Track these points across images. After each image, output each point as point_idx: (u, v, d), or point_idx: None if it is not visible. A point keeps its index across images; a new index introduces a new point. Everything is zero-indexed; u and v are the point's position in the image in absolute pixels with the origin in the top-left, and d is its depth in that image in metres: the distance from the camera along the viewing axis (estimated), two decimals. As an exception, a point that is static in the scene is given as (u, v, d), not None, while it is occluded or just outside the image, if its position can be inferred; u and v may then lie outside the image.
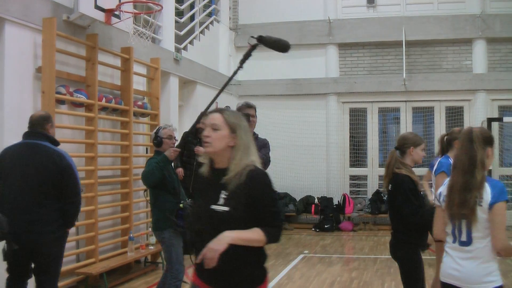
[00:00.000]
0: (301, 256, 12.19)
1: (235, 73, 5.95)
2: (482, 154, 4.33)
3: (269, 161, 6.90)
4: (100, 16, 9.21)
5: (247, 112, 6.77)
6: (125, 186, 10.39)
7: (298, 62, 17.20)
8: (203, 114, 6.94)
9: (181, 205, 6.94)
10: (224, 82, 6.16)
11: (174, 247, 7.24)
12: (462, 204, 4.29)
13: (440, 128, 16.44)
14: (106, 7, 9.25)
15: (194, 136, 10.33)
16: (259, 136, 7.16)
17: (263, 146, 6.85)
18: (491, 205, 4.20)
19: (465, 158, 4.36)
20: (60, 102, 8.82)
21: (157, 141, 7.44)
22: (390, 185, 5.91)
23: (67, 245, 8.97)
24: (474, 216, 4.24)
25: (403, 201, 5.68)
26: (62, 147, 8.37)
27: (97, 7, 9.09)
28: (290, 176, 16.98)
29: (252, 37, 6.12)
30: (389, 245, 6.18)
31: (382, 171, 16.49)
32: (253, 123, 6.87)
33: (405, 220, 5.77)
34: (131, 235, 10.07)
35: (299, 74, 17.21)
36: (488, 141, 4.42)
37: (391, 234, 6.13)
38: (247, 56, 5.83)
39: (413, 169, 5.95)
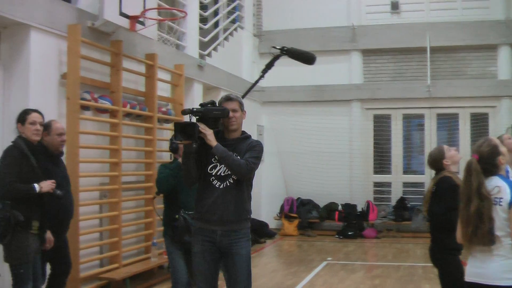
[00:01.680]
0: (324, 263, 12.14)
1: (256, 81, 5.90)
2: (479, 183, 4.53)
3: (251, 168, 5.61)
4: (124, 22, 9.26)
5: (226, 105, 5.72)
6: (149, 191, 10.40)
7: (321, 69, 17.07)
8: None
9: (176, 216, 7.02)
10: (247, 88, 6.12)
11: (171, 256, 7.28)
12: (475, 234, 4.53)
13: (464, 135, 16.34)
14: (130, 14, 9.30)
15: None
16: (252, 138, 5.93)
17: (249, 149, 5.71)
18: (510, 204, 4.43)
19: (465, 191, 4.62)
20: (85, 108, 8.89)
21: (173, 147, 7.44)
22: (435, 187, 6.02)
23: (91, 250, 9.08)
24: (488, 241, 4.49)
25: (437, 200, 5.84)
26: (86, 153, 8.48)
27: (122, 14, 9.14)
28: (313, 182, 16.92)
29: (274, 47, 6.02)
30: (429, 250, 6.31)
31: (406, 178, 16.65)
32: (234, 120, 5.70)
33: (433, 218, 5.93)
34: (155, 240, 10.10)
35: (322, 80, 17.16)
36: (494, 154, 4.66)
37: (431, 240, 6.21)
38: (269, 66, 5.78)
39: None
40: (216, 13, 15.05)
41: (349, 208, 16.45)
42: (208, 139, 5.49)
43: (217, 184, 5.64)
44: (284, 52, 5.89)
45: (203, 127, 5.48)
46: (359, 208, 16.55)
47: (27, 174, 6.29)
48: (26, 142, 6.36)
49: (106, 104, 9.21)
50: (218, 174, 5.65)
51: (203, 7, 14.14)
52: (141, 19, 9.58)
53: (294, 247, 14.51)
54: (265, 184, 17.47)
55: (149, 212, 10.43)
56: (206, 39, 13.97)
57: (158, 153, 10.71)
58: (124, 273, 9.15)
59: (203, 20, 14.20)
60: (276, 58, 5.85)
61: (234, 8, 16.14)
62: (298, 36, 17.07)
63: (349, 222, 16.17)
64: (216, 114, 5.61)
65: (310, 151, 16.84)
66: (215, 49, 14.53)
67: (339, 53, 17.32)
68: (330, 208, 16.70)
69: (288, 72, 16.95)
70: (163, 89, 11.45)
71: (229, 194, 5.62)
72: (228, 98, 5.79)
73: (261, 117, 17.52)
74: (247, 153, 5.66)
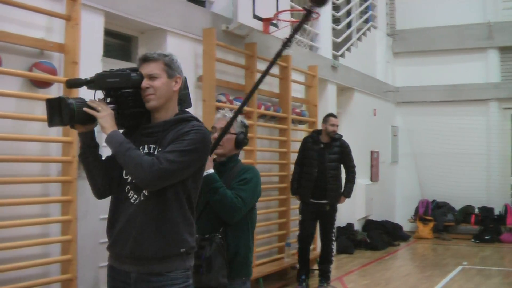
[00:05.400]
0: (460, 267, 11.84)
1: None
2: None
3: (163, 171, 3.36)
4: (258, 25, 9.36)
5: (141, 70, 3.58)
6: (283, 192, 10.49)
7: (456, 67, 16.81)
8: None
9: None
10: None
11: None
12: None
13: None
14: (264, 16, 9.39)
15: (314, 140, 10.09)
16: (195, 121, 3.64)
17: (174, 139, 3.53)
18: None
19: None
20: (220, 110, 9.05)
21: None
22: None
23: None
24: None
25: None
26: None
27: (255, 17, 9.24)
28: (449, 184, 16.58)
29: None
30: None
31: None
32: (152, 91, 3.53)
33: None
34: (289, 241, 10.17)
35: (457, 79, 16.77)
36: None
37: None
38: None
39: None
40: (348, 13, 14.98)
41: (486, 211, 16.00)
42: (100, 124, 3.43)
43: (133, 197, 3.54)
44: None
45: (96, 105, 3.42)
46: (496, 212, 16.05)
47: None
48: None
49: (240, 105, 9.35)
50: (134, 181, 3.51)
51: (336, 7, 14.13)
52: (274, 21, 9.65)
53: (429, 251, 14.25)
54: (400, 185, 17.32)
55: (282, 213, 10.51)
56: (339, 40, 13.95)
57: (292, 154, 10.75)
58: (257, 272, 9.24)
59: (336, 20, 14.17)
60: None
61: (367, 8, 16.03)
62: (432, 35, 16.82)
63: (486, 226, 15.72)
64: (111, 84, 3.49)
65: (445, 152, 16.51)
66: (348, 49, 14.48)
67: (475, 51, 16.86)
68: (466, 211, 16.28)
69: (423, 72, 16.75)
70: (297, 90, 11.51)
71: (144, 214, 3.48)
72: (144, 59, 3.60)
73: (395, 118, 17.34)
74: (170, 145, 3.47)
